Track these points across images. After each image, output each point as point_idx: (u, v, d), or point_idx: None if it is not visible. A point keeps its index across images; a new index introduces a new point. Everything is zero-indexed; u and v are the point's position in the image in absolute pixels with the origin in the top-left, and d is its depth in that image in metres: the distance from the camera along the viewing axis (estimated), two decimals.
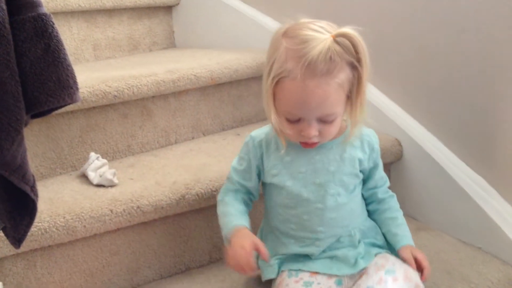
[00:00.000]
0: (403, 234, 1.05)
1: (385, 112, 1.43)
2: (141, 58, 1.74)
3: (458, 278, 1.12)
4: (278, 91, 0.93)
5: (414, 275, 0.97)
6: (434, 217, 1.34)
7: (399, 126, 1.40)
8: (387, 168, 1.43)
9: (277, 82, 0.91)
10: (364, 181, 1.08)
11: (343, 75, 0.89)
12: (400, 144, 1.39)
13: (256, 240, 0.98)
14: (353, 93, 0.93)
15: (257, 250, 0.96)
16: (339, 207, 1.02)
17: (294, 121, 0.94)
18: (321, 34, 0.88)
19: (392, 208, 1.09)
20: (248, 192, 1.10)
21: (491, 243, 1.21)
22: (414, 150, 1.37)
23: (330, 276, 0.99)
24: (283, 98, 0.92)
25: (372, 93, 1.47)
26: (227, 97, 1.57)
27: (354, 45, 0.89)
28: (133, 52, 1.87)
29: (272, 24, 1.65)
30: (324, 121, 0.93)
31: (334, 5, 1.52)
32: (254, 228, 1.07)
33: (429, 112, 1.35)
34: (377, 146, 1.06)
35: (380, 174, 1.08)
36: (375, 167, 1.06)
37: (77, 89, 0.75)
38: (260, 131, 1.06)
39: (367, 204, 1.10)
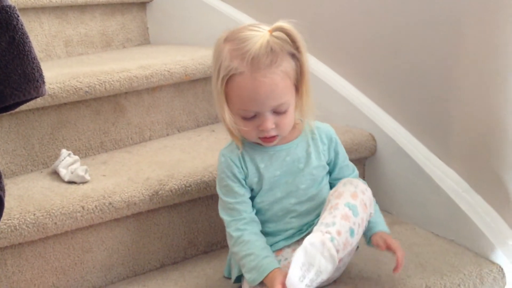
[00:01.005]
0: (375, 221, 1.05)
1: (360, 108, 1.44)
2: (114, 55, 1.72)
3: (431, 270, 1.13)
4: (229, 90, 0.96)
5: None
6: (408, 211, 1.35)
7: (373, 121, 1.40)
8: (362, 163, 1.44)
9: (227, 82, 0.96)
10: (331, 172, 1.09)
11: (286, 64, 0.95)
12: (374, 139, 1.40)
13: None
14: (298, 82, 0.99)
15: None
16: (310, 199, 1.05)
17: (250, 118, 0.97)
18: (258, 32, 0.95)
19: None
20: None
21: (463, 236, 1.22)
22: (388, 145, 1.38)
23: (293, 245, 1.04)
24: (235, 95, 0.96)
25: (347, 89, 1.48)
26: (202, 93, 1.56)
27: (290, 37, 0.95)
28: (106, 49, 1.85)
29: (248, 22, 1.65)
30: (278, 112, 0.97)
31: (308, 1, 1.53)
32: None
33: (402, 106, 1.36)
34: (335, 136, 1.09)
35: (345, 163, 1.10)
36: (336, 155, 1.09)
37: (43, 82, 0.73)
38: (228, 148, 1.07)
39: None
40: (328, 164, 1.08)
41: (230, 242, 1.03)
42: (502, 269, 1.15)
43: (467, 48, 1.16)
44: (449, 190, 1.24)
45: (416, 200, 1.33)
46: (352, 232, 0.94)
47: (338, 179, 1.07)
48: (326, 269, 0.89)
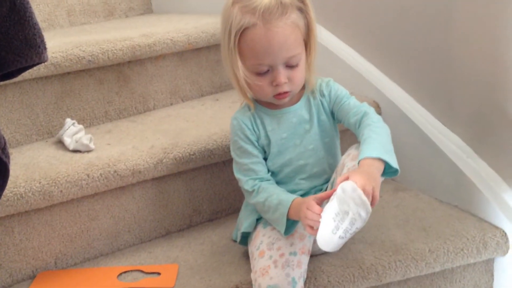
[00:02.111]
0: (361, 149, 0.96)
1: (364, 74, 1.43)
2: (116, 24, 1.71)
3: (434, 235, 1.14)
4: (242, 46, 0.98)
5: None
6: (412, 177, 1.35)
7: (377, 87, 1.40)
8: None
9: (240, 38, 0.97)
10: (341, 117, 1.06)
11: (296, 16, 0.98)
12: (378, 106, 1.40)
13: (311, 197, 0.95)
14: (307, 37, 1.01)
15: (320, 199, 0.93)
16: (319, 161, 1.06)
17: (263, 73, 0.99)
18: None
19: (364, 126, 1.01)
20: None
21: (467, 201, 1.23)
22: (392, 111, 1.37)
23: None
24: (249, 50, 0.97)
25: (351, 55, 1.47)
26: (206, 62, 1.55)
27: None
28: (108, 18, 1.84)
29: None
30: (290, 65, 0.99)
31: None
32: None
33: (405, 73, 1.35)
34: (332, 83, 1.08)
35: (354, 103, 1.05)
36: (338, 98, 1.06)
37: (45, 48, 0.73)
38: (240, 111, 1.07)
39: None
40: (332, 112, 1.07)
41: (249, 197, 1.05)
42: (505, 233, 1.15)
43: (462, 8, 1.15)
44: (453, 156, 1.24)
45: (420, 166, 1.33)
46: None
47: (353, 121, 1.03)
48: (360, 216, 0.84)
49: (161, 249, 1.18)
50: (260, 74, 0.99)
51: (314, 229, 0.89)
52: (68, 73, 1.30)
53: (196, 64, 1.53)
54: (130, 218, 1.19)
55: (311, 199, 0.92)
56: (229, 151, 1.09)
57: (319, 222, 0.87)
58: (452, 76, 1.24)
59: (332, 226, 0.85)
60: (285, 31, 0.96)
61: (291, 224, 0.99)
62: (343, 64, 1.47)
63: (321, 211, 0.88)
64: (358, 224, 0.85)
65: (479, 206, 1.20)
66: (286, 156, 1.05)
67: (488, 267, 1.19)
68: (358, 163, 0.92)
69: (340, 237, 0.85)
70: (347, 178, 0.87)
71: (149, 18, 1.81)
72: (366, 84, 1.42)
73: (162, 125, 1.34)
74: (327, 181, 1.08)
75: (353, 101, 1.06)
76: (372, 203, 0.85)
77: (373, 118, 1.01)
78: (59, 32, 1.63)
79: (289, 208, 0.97)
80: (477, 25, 1.15)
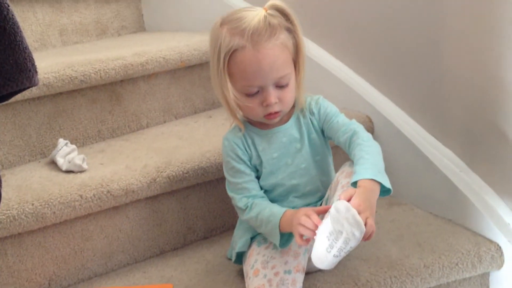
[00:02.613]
0: (355, 170, 0.95)
1: (356, 90, 1.43)
2: (109, 42, 1.71)
3: (429, 250, 1.13)
4: (232, 68, 0.98)
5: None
6: (406, 191, 1.35)
7: (370, 103, 1.40)
8: None
9: (229, 60, 0.97)
10: (331, 136, 1.06)
11: (284, 37, 0.98)
12: (371, 121, 1.40)
13: (310, 208, 0.95)
14: (295, 56, 1.01)
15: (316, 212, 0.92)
16: (312, 180, 1.06)
17: (253, 94, 0.99)
18: (253, 10, 0.99)
19: (354, 146, 1.01)
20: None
21: (461, 215, 1.23)
22: (385, 127, 1.38)
23: None
24: (239, 71, 0.97)
25: (343, 71, 1.47)
26: (198, 79, 1.56)
27: (284, 12, 0.99)
28: (101, 37, 1.84)
29: (243, 6, 1.64)
30: (280, 85, 0.99)
31: None
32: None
33: (398, 88, 1.36)
34: (321, 101, 1.08)
35: (343, 121, 1.05)
36: (327, 116, 1.06)
37: (36, 72, 0.73)
38: (231, 132, 1.08)
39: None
40: (322, 130, 1.07)
41: (242, 215, 1.04)
42: (500, 247, 1.15)
43: (452, 24, 1.16)
44: (447, 170, 1.24)
45: (414, 181, 1.33)
46: None
47: (343, 140, 1.03)
48: (354, 236, 0.84)
49: (156, 268, 1.17)
50: (250, 95, 0.99)
51: (303, 239, 0.89)
52: (61, 93, 1.30)
53: (189, 82, 1.54)
54: (124, 238, 1.18)
55: (310, 209, 0.92)
56: (223, 169, 1.09)
57: (313, 232, 0.88)
58: (443, 91, 1.24)
59: (327, 244, 0.85)
60: (275, 52, 0.96)
61: (287, 237, 0.99)
62: (335, 79, 1.47)
63: (320, 222, 0.88)
64: (352, 244, 0.85)
65: (473, 220, 1.21)
66: (278, 176, 1.05)
67: (483, 281, 1.19)
68: (356, 183, 0.91)
69: (334, 256, 0.85)
70: (347, 197, 0.87)
71: (142, 36, 1.82)
72: (359, 99, 1.42)
73: (155, 143, 1.34)
74: (320, 198, 1.08)
75: (341, 119, 1.06)
76: (369, 235, 0.86)
77: (363, 137, 1.01)
78: (51, 52, 1.63)
79: (281, 220, 0.96)
80: (467, 40, 1.16)
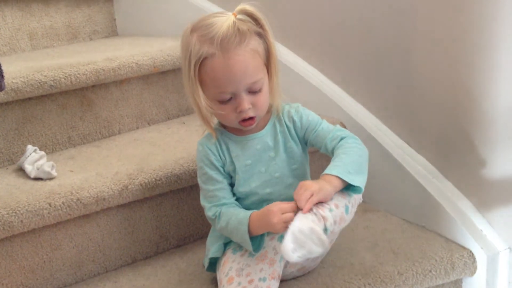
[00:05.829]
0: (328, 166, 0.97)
1: (329, 96, 1.43)
2: (80, 47, 1.68)
3: (403, 257, 1.13)
4: (203, 76, 0.97)
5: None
6: (380, 198, 1.35)
7: (343, 109, 1.40)
8: None
9: (200, 68, 0.96)
10: (316, 143, 1.05)
11: (255, 42, 0.97)
12: (344, 127, 1.40)
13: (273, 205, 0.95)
14: (267, 61, 1.00)
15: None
16: (287, 188, 1.04)
17: (226, 101, 0.98)
18: (223, 16, 0.97)
19: (337, 148, 1.02)
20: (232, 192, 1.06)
21: (434, 222, 1.23)
22: (358, 133, 1.35)
23: (271, 237, 1.02)
24: (210, 79, 0.96)
25: (316, 77, 1.48)
26: (172, 85, 1.54)
27: (254, 17, 0.98)
28: (72, 41, 1.81)
29: (215, 10, 1.63)
30: (253, 91, 0.98)
31: None
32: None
33: (371, 94, 1.36)
34: (301, 110, 1.07)
35: (327, 128, 1.05)
36: (311, 125, 1.05)
37: (3, 76, 0.71)
38: (205, 137, 1.06)
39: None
40: (304, 138, 1.06)
41: (214, 225, 1.04)
42: (472, 254, 1.16)
43: (424, 32, 1.16)
44: (419, 177, 1.25)
45: (388, 188, 1.33)
46: (347, 209, 0.94)
47: (330, 147, 1.02)
48: (316, 251, 0.88)
49: (127, 278, 1.15)
50: (223, 102, 0.98)
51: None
52: (30, 98, 1.27)
53: (162, 87, 1.52)
54: (94, 247, 1.16)
55: (277, 204, 0.93)
56: (196, 176, 1.07)
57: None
58: (416, 98, 1.25)
59: (291, 247, 0.87)
60: (245, 59, 0.95)
61: (259, 240, 0.99)
62: (309, 85, 1.47)
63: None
64: (314, 256, 0.90)
65: (446, 227, 1.21)
66: (252, 184, 1.04)
67: (456, 287, 1.19)
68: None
69: (298, 257, 0.88)
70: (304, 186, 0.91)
71: (114, 41, 1.80)
72: (332, 105, 1.43)
73: (127, 150, 1.32)
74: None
75: (326, 126, 1.05)
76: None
77: (350, 142, 1.01)
78: (20, 56, 1.60)
79: (249, 225, 0.96)
80: (438, 49, 1.17)
